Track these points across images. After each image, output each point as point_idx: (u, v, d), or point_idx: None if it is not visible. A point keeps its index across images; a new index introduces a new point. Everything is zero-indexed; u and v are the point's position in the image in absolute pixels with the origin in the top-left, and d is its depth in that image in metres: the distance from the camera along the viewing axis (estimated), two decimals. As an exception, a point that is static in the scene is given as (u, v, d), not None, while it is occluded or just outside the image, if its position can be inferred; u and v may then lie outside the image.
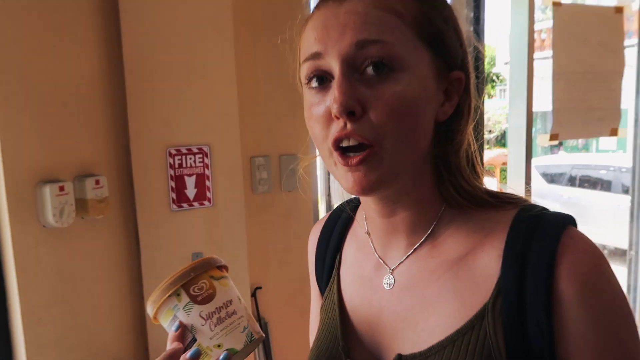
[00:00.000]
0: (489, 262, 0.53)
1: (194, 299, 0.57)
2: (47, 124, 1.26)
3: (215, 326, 0.56)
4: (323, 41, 0.52)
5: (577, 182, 6.46)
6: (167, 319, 0.58)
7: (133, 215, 1.39)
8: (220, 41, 1.44)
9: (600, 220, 5.46)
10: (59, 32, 1.27)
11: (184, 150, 1.44)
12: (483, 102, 0.70)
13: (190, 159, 1.45)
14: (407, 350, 0.56)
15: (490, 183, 0.62)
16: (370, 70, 0.51)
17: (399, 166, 0.53)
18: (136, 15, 1.34)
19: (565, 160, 7.36)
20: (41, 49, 1.25)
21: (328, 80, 0.53)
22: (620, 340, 0.50)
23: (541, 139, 2.26)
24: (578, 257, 0.49)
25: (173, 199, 1.43)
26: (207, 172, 1.47)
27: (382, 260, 0.62)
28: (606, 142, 9.62)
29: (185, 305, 0.57)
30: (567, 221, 0.52)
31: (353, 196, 0.71)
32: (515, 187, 0.60)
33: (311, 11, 0.57)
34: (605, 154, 8.43)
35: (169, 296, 0.57)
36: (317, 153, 0.60)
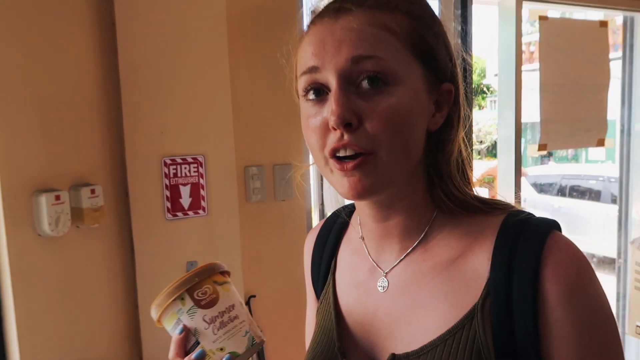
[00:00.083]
0: (478, 265, 0.56)
1: (198, 303, 0.58)
2: (43, 134, 1.27)
3: (218, 330, 0.58)
4: (320, 56, 0.55)
5: (567, 192, 6.54)
6: (170, 322, 0.60)
7: (128, 224, 1.40)
8: (214, 52, 1.47)
9: (589, 230, 5.53)
10: (55, 43, 1.29)
11: (179, 160, 1.45)
12: (471, 111, 0.73)
13: (185, 168, 1.47)
14: (400, 350, 0.58)
15: (484, 192, 0.65)
16: (365, 84, 0.54)
17: (393, 173, 0.56)
18: (132, 27, 1.36)
19: (555, 170, 7.46)
20: (38, 59, 1.26)
21: (325, 93, 0.56)
22: (601, 340, 0.52)
23: (530, 149, 2.30)
24: (562, 259, 0.52)
25: (168, 208, 1.44)
26: (201, 181, 1.49)
27: (376, 264, 0.64)
28: (595, 152, 9.75)
29: (189, 309, 0.59)
30: (552, 226, 0.55)
31: (346, 204, 0.74)
32: (506, 195, 0.63)
33: (306, 25, 0.60)
34: (595, 165, 8.54)
35: (174, 300, 0.59)
36: (311, 162, 0.62)
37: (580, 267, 0.52)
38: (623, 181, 2.58)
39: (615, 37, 2.90)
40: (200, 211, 1.48)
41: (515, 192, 2.06)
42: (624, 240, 2.58)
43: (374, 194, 0.56)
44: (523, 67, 2.05)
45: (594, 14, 2.37)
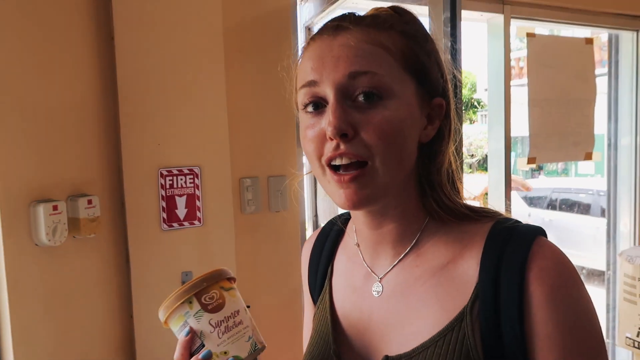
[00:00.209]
0: (468, 270, 0.59)
1: (205, 308, 0.61)
2: (41, 145, 1.29)
3: (223, 334, 0.60)
4: (319, 71, 0.58)
5: (557, 205, 6.61)
6: (177, 324, 0.62)
7: (124, 234, 1.41)
8: (211, 67, 1.50)
9: (579, 243, 5.58)
10: (55, 56, 1.31)
11: (175, 171, 1.47)
12: (462, 125, 0.77)
13: (181, 179, 1.49)
14: (394, 352, 0.60)
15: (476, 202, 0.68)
16: (361, 97, 0.57)
17: (387, 183, 0.59)
18: (130, 41, 1.39)
19: (546, 184, 7.54)
20: (37, 71, 1.28)
21: (322, 106, 0.59)
22: (584, 341, 0.54)
23: (520, 163, 2.35)
24: (546, 263, 0.55)
25: (164, 219, 1.46)
26: (197, 192, 1.51)
27: (371, 270, 0.67)
28: (585, 166, 9.89)
29: (196, 313, 0.61)
30: (538, 232, 0.58)
31: (342, 212, 0.77)
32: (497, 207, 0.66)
33: (306, 42, 0.63)
34: (584, 178, 8.65)
35: (182, 303, 0.61)
36: (305, 171, 0.65)
37: (564, 270, 0.55)
38: (611, 194, 2.63)
39: (602, 54, 2.99)
40: (196, 222, 1.50)
41: (506, 205, 2.10)
42: (612, 253, 2.63)
43: (369, 204, 0.59)
44: (513, 82, 2.10)
45: (582, 32, 2.44)
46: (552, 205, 6.62)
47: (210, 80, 1.50)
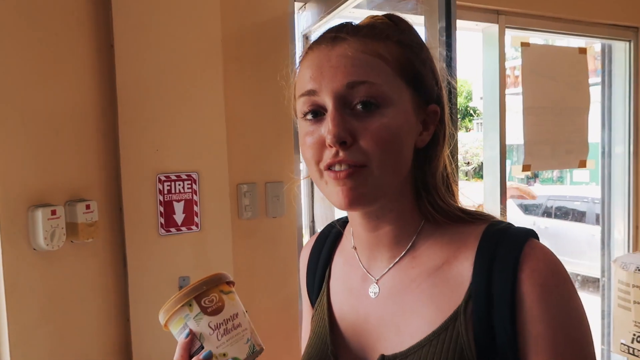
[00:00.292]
0: (462, 271, 0.60)
1: (205, 310, 0.62)
2: (40, 150, 1.30)
3: (222, 336, 0.62)
4: (317, 80, 0.60)
5: (553, 213, 6.65)
6: (177, 326, 0.64)
7: (122, 239, 1.41)
8: (209, 74, 1.51)
9: (575, 250, 5.61)
10: (55, 63, 1.32)
11: (173, 177, 1.48)
12: (456, 128, 0.79)
13: (179, 185, 1.50)
14: (390, 352, 0.61)
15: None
16: (359, 106, 0.59)
17: (383, 186, 0.60)
18: (130, 48, 1.40)
19: (541, 191, 7.58)
20: (37, 78, 1.29)
21: (321, 114, 0.61)
22: (574, 339, 0.56)
23: (515, 170, 2.37)
24: (537, 264, 0.56)
25: (161, 224, 1.46)
26: (195, 197, 1.52)
27: (368, 272, 0.68)
28: (580, 174, 9.95)
29: (196, 315, 0.62)
30: (530, 234, 0.60)
31: (341, 217, 0.78)
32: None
33: (304, 51, 0.65)
34: (579, 186, 8.71)
35: (182, 306, 0.62)
36: (302, 176, 0.67)
37: (555, 271, 0.57)
38: (605, 202, 2.66)
39: (596, 63, 3.02)
40: (194, 227, 1.51)
41: (501, 212, 2.12)
42: (607, 259, 2.65)
43: (365, 203, 0.61)
44: (509, 91, 2.13)
45: (576, 42, 2.47)
46: (547, 213, 6.66)
47: (209, 87, 1.51)
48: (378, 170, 0.59)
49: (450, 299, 0.59)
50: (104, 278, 1.40)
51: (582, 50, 2.36)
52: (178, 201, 1.49)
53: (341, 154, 0.58)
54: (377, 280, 0.67)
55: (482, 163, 2.41)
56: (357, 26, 0.63)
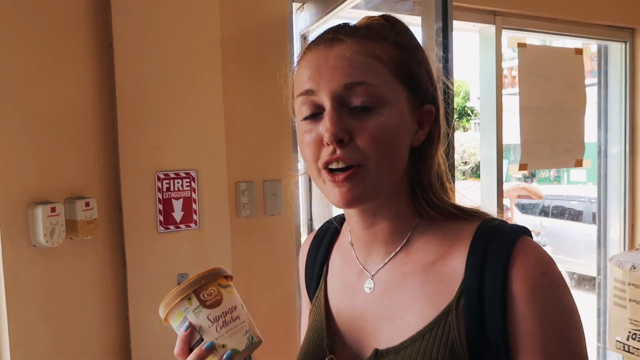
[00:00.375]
0: (455, 267, 0.61)
1: (204, 303, 0.64)
2: (40, 149, 1.31)
3: (221, 328, 0.63)
4: (315, 80, 0.61)
5: (550, 212, 6.67)
6: (177, 320, 0.65)
7: (121, 236, 1.43)
8: (208, 73, 1.52)
9: (571, 249, 5.63)
10: (55, 62, 1.33)
11: (172, 175, 1.49)
12: (454, 130, 0.80)
13: (178, 183, 1.51)
14: (384, 345, 0.63)
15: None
16: (356, 106, 0.60)
17: (379, 184, 0.62)
18: (129, 47, 1.41)
19: (538, 191, 7.60)
20: (37, 77, 1.30)
21: (319, 113, 0.62)
22: (564, 335, 0.57)
23: (512, 169, 2.39)
24: (529, 261, 0.57)
25: (160, 221, 1.48)
26: (194, 195, 1.53)
27: (364, 267, 0.70)
28: (577, 174, 9.98)
29: (195, 309, 0.63)
30: (522, 231, 0.61)
31: (338, 214, 0.80)
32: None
33: (302, 51, 0.66)
34: (576, 186, 8.73)
35: (181, 299, 0.64)
36: (300, 172, 0.68)
37: (545, 268, 0.58)
38: (601, 201, 2.68)
39: (593, 64, 3.04)
40: (192, 224, 1.52)
41: (498, 211, 2.13)
42: (603, 258, 2.66)
43: (362, 202, 0.62)
44: (506, 91, 2.14)
45: (572, 43, 2.49)
46: (544, 212, 6.68)
47: (207, 86, 1.52)
48: (374, 169, 0.60)
49: (443, 295, 0.61)
50: (103, 275, 1.41)
51: (579, 51, 2.38)
52: (177, 199, 1.50)
53: (338, 151, 0.59)
54: (373, 275, 0.68)
55: (479, 163, 2.43)
56: (355, 27, 0.65)
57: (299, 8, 1.83)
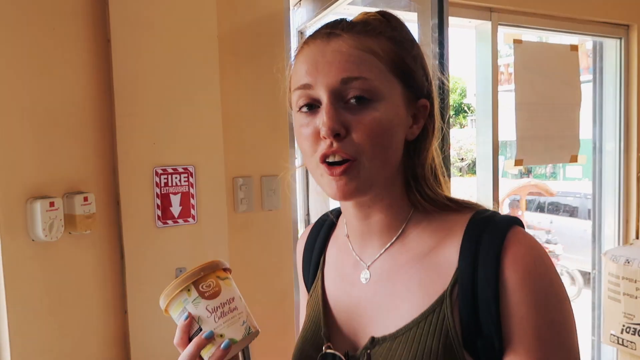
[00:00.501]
0: (449, 256, 0.63)
1: (202, 295, 0.65)
2: (39, 144, 1.32)
3: (219, 318, 0.65)
4: (313, 75, 0.62)
5: (546, 208, 6.71)
6: (177, 310, 0.67)
7: (119, 230, 1.44)
8: (206, 69, 1.53)
9: (567, 245, 5.67)
10: (53, 57, 1.34)
11: (170, 170, 1.50)
12: (448, 125, 0.82)
13: (176, 178, 1.52)
14: (379, 334, 0.64)
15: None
16: (353, 100, 0.62)
17: (374, 177, 0.63)
18: (126, 43, 1.42)
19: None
20: (35, 72, 1.31)
21: (316, 106, 0.63)
22: (555, 321, 0.59)
23: (507, 165, 2.41)
24: (520, 249, 0.59)
25: (158, 216, 1.49)
26: (191, 190, 1.54)
27: (360, 258, 0.71)
28: (572, 170, 10.02)
29: (194, 300, 0.65)
30: (513, 222, 0.62)
31: (333, 208, 0.81)
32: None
33: (300, 45, 0.67)
34: (572, 182, 8.77)
35: (181, 291, 0.66)
36: (297, 165, 0.70)
37: (536, 256, 0.59)
38: (596, 196, 2.70)
39: (588, 60, 3.06)
40: (190, 219, 1.53)
41: (494, 206, 2.15)
42: (597, 253, 2.69)
43: (358, 195, 0.64)
44: (503, 87, 2.16)
45: (568, 39, 2.51)
46: (540, 208, 6.72)
47: (205, 82, 1.53)
48: (370, 163, 0.62)
49: (437, 283, 0.62)
50: (102, 269, 1.42)
51: (574, 48, 2.39)
52: (175, 194, 1.51)
53: (335, 145, 0.61)
54: (369, 266, 0.70)
55: (475, 159, 2.44)
56: (351, 23, 0.66)
57: (297, 4, 1.84)
